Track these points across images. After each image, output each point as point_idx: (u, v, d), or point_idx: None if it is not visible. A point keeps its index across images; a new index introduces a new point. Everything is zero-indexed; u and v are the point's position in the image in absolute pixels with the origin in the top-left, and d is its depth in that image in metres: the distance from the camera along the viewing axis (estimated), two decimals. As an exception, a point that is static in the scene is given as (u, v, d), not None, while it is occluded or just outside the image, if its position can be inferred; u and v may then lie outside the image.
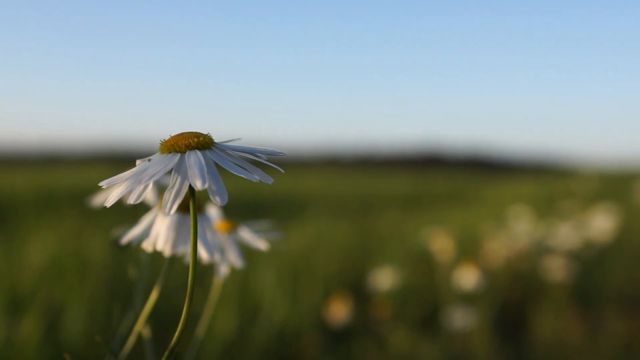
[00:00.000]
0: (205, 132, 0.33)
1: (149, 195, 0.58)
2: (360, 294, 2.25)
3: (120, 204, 0.36)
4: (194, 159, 0.31)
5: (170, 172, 0.31)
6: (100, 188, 0.60)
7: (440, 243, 1.77)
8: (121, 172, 0.33)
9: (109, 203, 0.32)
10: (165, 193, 0.30)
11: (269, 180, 0.31)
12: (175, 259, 0.48)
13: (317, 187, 7.53)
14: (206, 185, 0.29)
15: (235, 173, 0.31)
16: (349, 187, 7.56)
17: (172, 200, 0.30)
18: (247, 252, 0.54)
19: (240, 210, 3.81)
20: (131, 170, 0.32)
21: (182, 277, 1.76)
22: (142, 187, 0.31)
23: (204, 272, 1.53)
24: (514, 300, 1.99)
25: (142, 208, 0.54)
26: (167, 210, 0.30)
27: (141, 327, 0.48)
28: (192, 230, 0.31)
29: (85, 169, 6.46)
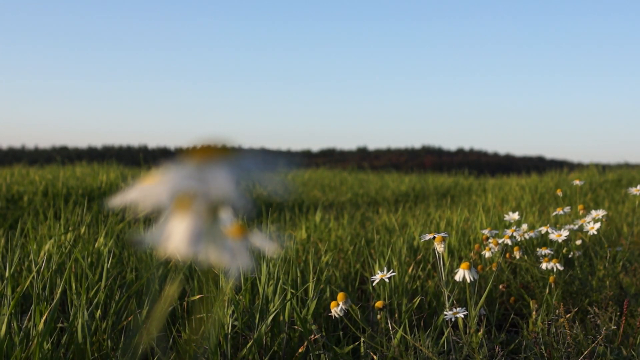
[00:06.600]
0: (229, 144, 0.35)
1: (166, 197, 0.60)
2: (360, 294, 2.27)
3: (130, 204, 0.38)
4: (218, 169, 0.33)
5: (194, 180, 0.33)
6: (117, 188, 0.62)
7: (440, 241, 1.79)
8: (128, 171, 0.35)
9: (138, 210, 0.34)
10: (190, 201, 0.32)
11: (287, 194, 0.33)
12: (186, 261, 0.50)
13: (317, 185, 7.54)
14: (229, 195, 0.31)
15: (258, 184, 0.33)
16: (349, 185, 7.58)
17: (196, 207, 0.32)
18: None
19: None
20: (156, 178, 0.34)
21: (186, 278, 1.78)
22: (166, 195, 0.33)
23: (209, 273, 1.55)
24: (512, 299, 2.02)
25: (154, 210, 0.56)
26: (189, 216, 0.32)
27: (154, 326, 0.51)
28: (211, 238, 0.34)
29: (93, 167, 6.46)
